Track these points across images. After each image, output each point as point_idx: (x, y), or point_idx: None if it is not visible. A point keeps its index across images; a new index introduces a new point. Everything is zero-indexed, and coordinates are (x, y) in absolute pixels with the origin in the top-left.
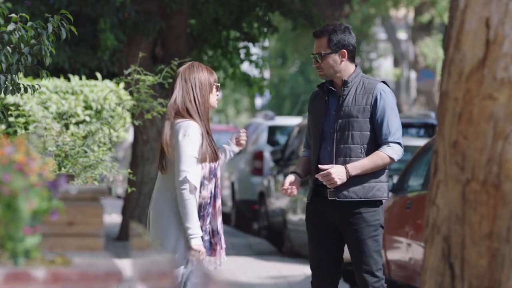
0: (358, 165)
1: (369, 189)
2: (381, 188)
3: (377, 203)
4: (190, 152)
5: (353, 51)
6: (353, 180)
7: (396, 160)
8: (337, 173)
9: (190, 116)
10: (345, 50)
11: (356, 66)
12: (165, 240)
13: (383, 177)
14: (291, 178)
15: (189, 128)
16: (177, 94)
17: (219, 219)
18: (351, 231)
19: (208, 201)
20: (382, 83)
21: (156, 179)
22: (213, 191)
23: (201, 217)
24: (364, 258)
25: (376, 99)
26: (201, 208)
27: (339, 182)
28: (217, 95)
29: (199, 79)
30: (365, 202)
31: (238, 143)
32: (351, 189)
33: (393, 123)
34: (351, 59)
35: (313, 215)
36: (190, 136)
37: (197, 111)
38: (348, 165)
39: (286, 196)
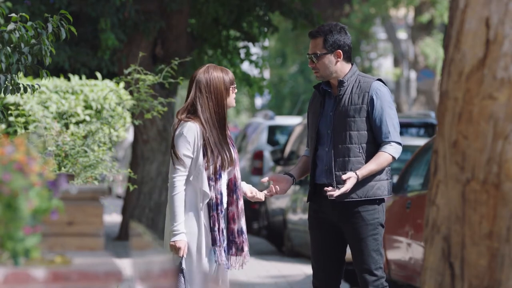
0: (366, 173)
1: (370, 188)
2: (381, 186)
3: (376, 201)
4: (182, 151)
5: (349, 51)
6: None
7: (396, 158)
8: (352, 184)
9: (197, 117)
10: (340, 51)
11: (352, 64)
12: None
13: (383, 175)
14: (278, 176)
15: (185, 128)
16: (191, 97)
17: (243, 220)
18: (350, 230)
19: (217, 201)
20: (377, 81)
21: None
22: (223, 191)
23: (211, 217)
24: (363, 257)
25: (372, 99)
26: (209, 208)
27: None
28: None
29: (213, 83)
30: (364, 201)
31: (254, 198)
32: (352, 189)
33: (392, 122)
34: (347, 59)
35: (315, 214)
36: (183, 136)
37: (207, 114)
38: (359, 173)
39: (268, 194)
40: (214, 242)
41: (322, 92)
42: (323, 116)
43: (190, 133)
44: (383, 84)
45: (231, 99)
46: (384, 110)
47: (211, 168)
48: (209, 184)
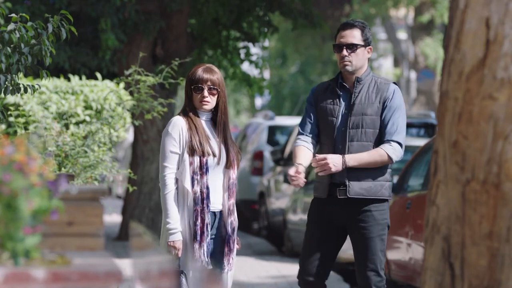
0: (356, 157)
1: (380, 188)
2: (388, 187)
3: (384, 201)
4: (169, 148)
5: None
6: (364, 178)
7: (394, 161)
8: (333, 160)
9: (182, 112)
10: (371, 47)
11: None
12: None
13: (388, 177)
14: (298, 167)
15: (170, 124)
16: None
17: (230, 219)
18: (359, 229)
19: (203, 195)
20: (394, 84)
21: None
22: (210, 186)
23: (194, 211)
24: (370, 256)
25: (387, 99)
26: (194, 202)
27: (333, 169)
28: (205, 96)
29: (187, 79)
30: (374, 200)
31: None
32: (362, 186)
33: (398, 124)
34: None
35: (319, 212)
36: (169, 133)
37: (187, 107)
38: (346, 155)
39: (294, 185)
40: (195, 237)
41: (339, 86)
42: (339, 112)
43: (175, 129)
44: (399, 88)
45: (195, 100)
46: (395, 111)
47: (196, 160)
48: (194, 178)
